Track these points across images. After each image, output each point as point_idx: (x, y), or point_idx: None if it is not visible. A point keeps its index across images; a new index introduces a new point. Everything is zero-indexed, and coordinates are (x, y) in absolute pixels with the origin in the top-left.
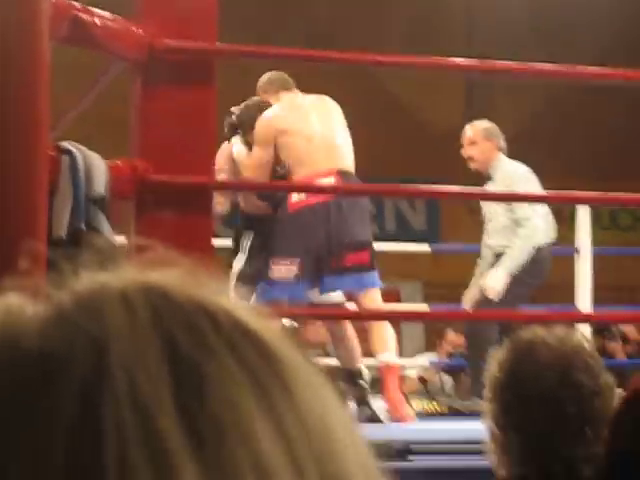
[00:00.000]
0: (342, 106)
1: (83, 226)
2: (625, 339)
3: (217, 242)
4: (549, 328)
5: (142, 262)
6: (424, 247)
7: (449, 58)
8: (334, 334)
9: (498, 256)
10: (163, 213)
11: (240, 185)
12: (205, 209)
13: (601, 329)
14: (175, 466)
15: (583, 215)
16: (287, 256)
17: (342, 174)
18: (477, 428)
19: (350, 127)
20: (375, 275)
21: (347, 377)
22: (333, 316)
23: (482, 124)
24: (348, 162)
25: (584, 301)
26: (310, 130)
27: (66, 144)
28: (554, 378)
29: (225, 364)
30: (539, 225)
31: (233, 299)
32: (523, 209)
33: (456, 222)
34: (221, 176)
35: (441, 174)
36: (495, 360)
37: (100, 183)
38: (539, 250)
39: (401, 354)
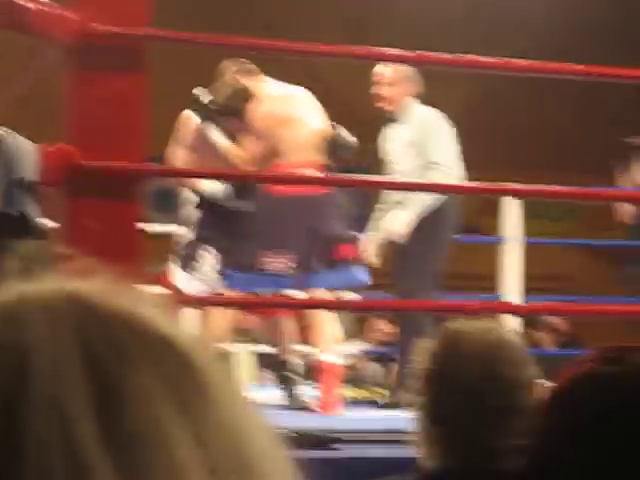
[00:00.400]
0: None
1: (13, 211)
2: (555, 330)
3: (147, 227)
4: (476, 320)
5: (69, 270)
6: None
7: (384, 49)
8: (268, 322)
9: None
10: (93, 199)
11: (176, 172)
12: (135, 195)
13: (530, 320)
14: (95, 476)
15: (511, 206)
16: (281, 248)
17: (323, 167)
18: (404, 418)
19: None
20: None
21: (277, 365)
22: (259, 304)
23: (403, 67)
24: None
25: (512, 292)
26: (306, 120)
27: None
28: (477, 370)
29: (146, 377)
30: (450, 172)
31: (158, 309)
32: (435, 153)
33: None
34: (191, 157)
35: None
36: (422, 352)
37: (30, 168)
38: (448, 198)
39: None
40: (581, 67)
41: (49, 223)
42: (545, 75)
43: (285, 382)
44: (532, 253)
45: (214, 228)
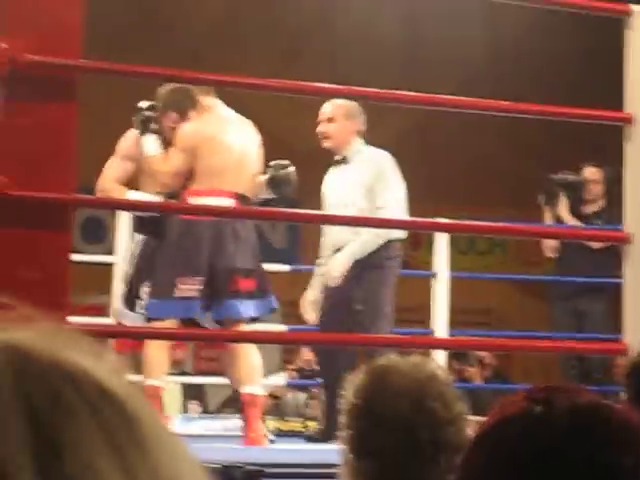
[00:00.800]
0: None
1: None
2: (481, 363)
3: (77, 257)
4: (404, 354)
5: (2, 318)
6: (284, 267)
7: (313, 83)
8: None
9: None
10: (22, 229)
11: (109, 203)
12: (64, 225)
13: (457, 353)
14: None
15: (441, 240)
16: (191, 274)
17: (241, 198)
18: (330, 450)
19: None
20: (270, 300)
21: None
22: (188, 337)
23: (343, 102)
24: (248, 186)
25: (441, 325)
26: (230, 144)
27: None
28: (407, 405)
29: (84, 426)
30: (395, 215)
31: (96, 357)
32: (383, 197)
33: (316, 242)
34: (125, 165)
35: (303, 194)
36: (351, 385)
37: None
38: (394, 244)
39: None
40: (506, 104)
41: None
42: (470, 111)
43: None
44: (459, 287)
45: (148, 259)
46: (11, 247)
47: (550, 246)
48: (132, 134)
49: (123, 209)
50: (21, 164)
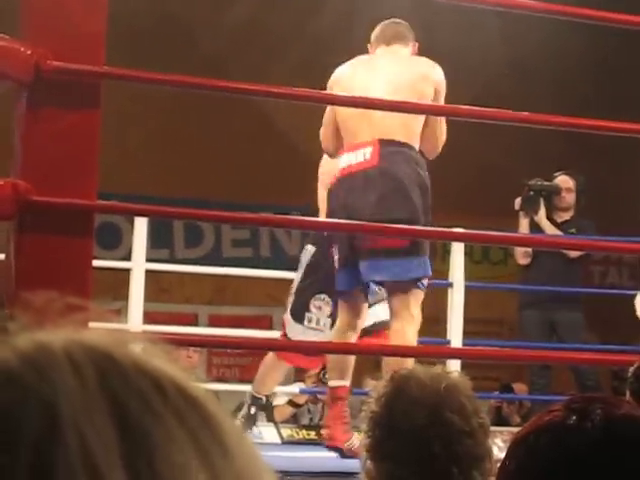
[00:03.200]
0: (220, 132)
1: None
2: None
3: (97, 263)
4: (427, 364)
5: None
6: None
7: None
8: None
9: None
10: (44, 234)
11: (130, 209)
12: (86, 231)
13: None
14: None
15: (458, 250)
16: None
17: (383, 143)
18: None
19: (226, 154)
20: (414, 263)
21: (250, 399)
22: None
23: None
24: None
25: (456, 335)
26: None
27: None
28: (424, 416)
29: (170, 428)
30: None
31: (170, 361)
32: None
33: None
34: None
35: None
36: (373, 393)
37: None
38: None
39: None
40: (537, 116)
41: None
42: (484, 120)
43: (248, 417)
44: (473, 296)
45: (318, 270)
46: (35, 252)
47: (523, 253)
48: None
49: (144, 215)
50: (44, 170)
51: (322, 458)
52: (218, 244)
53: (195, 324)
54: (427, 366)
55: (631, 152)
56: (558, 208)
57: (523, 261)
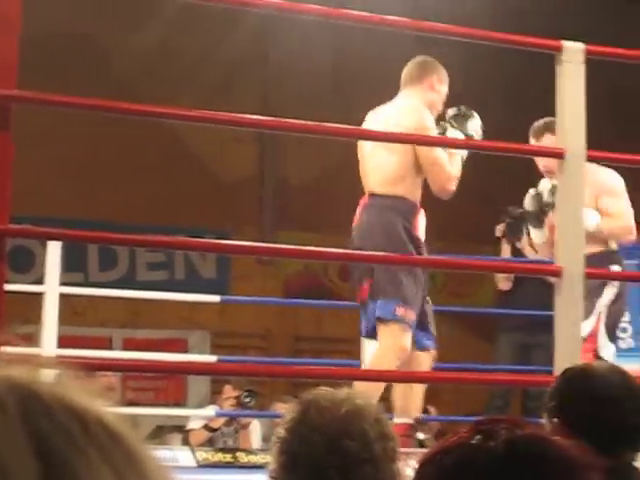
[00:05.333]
0: (133, 155)
1: None
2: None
3: (10, 287)
4: (334, 388)
5: None
6: (214, 298)
7: (243, 115)
8: None
9: None
10: None
11: (43, 233)
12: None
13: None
14: None
15: None
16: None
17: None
18: None
19: (140, 177)
20: (379, 305)
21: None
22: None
23: None
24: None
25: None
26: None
27: None
28: (323, 444)
29: (94, 463)
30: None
31: (90, 392)
32: None
33: (246, 272)
34: None
35: (234, 223)
36: (283, 417)
37: None
38: None
39: (187, 404)
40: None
41: None
42: (400, 143)
43: None
44: None
45: None
46: None
47: (504, 278)
48: None
49: (56, 239)
50: None
51: None
52: (133, 267)
53: (109, 347)
54: (333, 390)
55: None
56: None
57: (505, 286)
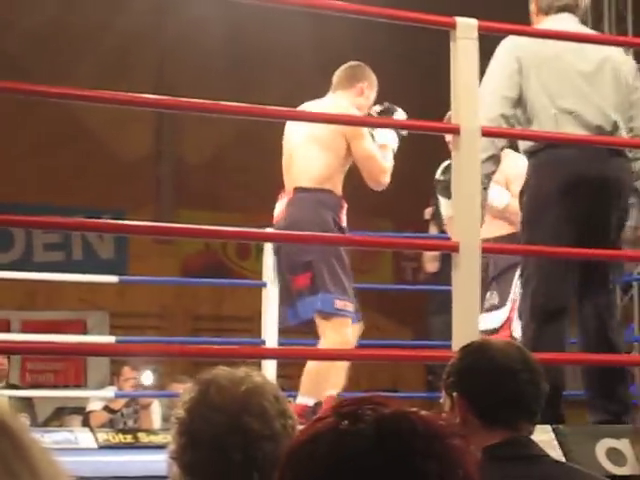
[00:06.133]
0: (28, 134)
1: None
2: None
3: None
4: (231, 367)
5: None
6: (112, 278)
7: (138, 94)
8: None
9: None
10: None
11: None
12: None
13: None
14: None
15: (269, 250)
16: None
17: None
18: (159, 460)
19: (35, 156)
20: (320, 299)
21: None
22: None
23: None
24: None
25: (271, 335)
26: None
27: None
28: (223, 423)
29: None
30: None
31: None
32: None
33: (144, 252)
34: None
35: (130, 203)
36: (181, 397)
37: None
38: None
39: (87, 385)
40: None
41: None
42: (295, 120)
43: None
44: None
45: None
46: None
47: (431, 260)
48: None
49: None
50: None
51: (138, 462)
52: (29, 248)
53: (7, 330)
54: (231, 369)
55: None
56: None
57: (432, 268)
